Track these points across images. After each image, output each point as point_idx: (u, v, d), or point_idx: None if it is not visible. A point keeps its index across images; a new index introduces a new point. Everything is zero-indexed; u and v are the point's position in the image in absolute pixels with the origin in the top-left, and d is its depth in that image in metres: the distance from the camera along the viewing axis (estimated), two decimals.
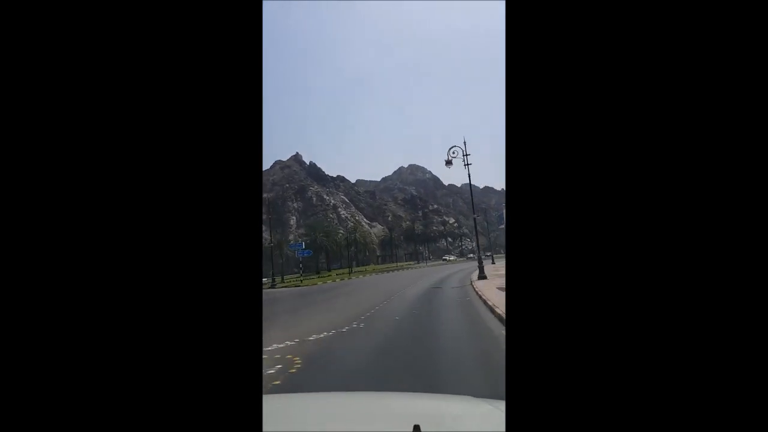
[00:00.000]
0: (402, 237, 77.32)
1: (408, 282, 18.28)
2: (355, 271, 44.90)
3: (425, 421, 0.85)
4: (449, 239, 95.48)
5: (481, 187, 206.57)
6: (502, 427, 0.93)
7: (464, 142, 16.56)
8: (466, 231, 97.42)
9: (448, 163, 16.38)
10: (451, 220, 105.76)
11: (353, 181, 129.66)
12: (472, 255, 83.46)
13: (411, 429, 0.80)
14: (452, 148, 16.45)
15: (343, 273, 41.18)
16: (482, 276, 15.40)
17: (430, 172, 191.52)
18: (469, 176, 16.47)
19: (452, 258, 71.81)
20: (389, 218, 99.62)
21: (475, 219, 16.35)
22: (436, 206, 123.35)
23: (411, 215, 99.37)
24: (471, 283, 14.36)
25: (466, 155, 16.36)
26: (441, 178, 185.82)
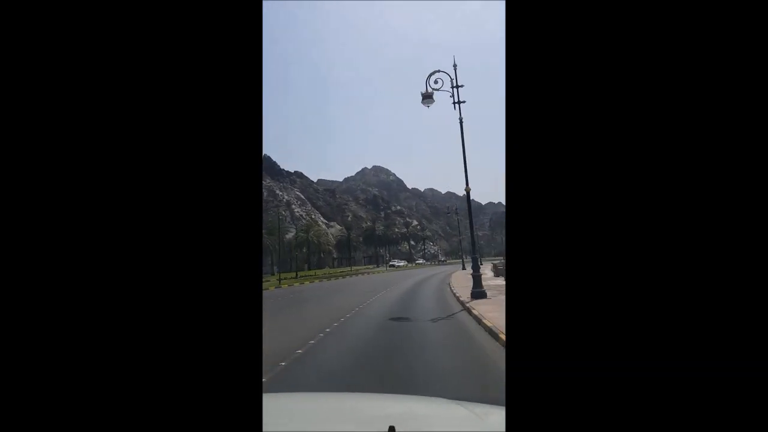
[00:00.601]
0: (361, 238, 70.11)
1: (355, 300, 11.10)
2: (300, 276, 37.24)
3: (400, 422, 0.88)
4: (412, 242, 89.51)
5: (443, 192, 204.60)
6: (477, 428, 0.98)
7: (454, 66, 9.83)
8: (429, 234, 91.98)
9: (427, 97, 9.55)
10: (414, 222, 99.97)
11: (315, 180, 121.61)
12: (421, 261, 77.03)
13: (386, 429, 0.82)
14: (434, 74, 9.68)
15: (288, 278, 33.47)
16: (479, 291, 8.74)
17: (394, 174, 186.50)
18: (461, 119, 9.72)
19: (401, 263, 59.75)
20: (349, 218, 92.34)
21: (468, 192, 9.59)
22: (399, 208, 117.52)
23: (372, 216, 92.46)
24: (466, 307, 7.55)
25: (456, 87, 9.63)
26: (405, 181, 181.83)
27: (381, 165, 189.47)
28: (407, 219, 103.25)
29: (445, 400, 1.30)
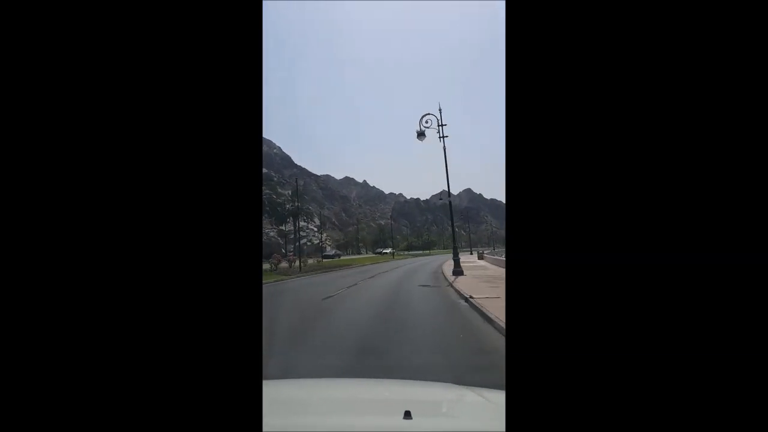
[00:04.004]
0: None
1: None
2: None
3: (413, 407, 0.91)
4: (285, 224, 54.60)
5: (339, 177, 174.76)
6: (488, 412, 1.05)
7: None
8: (311, 209, 57.92)
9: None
10: (289, 192, 64.04)
11: None
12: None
13: (402, 414, 0.84)
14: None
15: None
16: None
17: (279, 147, 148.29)
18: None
19: None
20: None
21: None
22: (273, 175, 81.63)
23: None
24: None
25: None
26: (293, 158, 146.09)
27: (263, 136, 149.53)
28: (279, 189, 67.93)
29: (453, 385, 1.34)
